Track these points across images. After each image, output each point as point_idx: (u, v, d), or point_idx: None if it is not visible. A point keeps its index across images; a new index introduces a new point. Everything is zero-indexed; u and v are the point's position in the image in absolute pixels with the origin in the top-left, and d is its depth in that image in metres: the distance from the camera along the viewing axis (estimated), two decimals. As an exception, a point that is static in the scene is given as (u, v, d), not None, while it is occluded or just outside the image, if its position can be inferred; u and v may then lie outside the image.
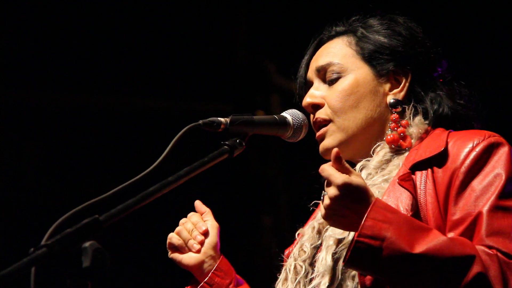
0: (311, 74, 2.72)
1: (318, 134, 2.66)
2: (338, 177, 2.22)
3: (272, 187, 5.87)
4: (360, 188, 2.23)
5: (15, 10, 5.62)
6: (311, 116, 2.70)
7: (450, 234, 2.30)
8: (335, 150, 2.25)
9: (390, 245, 2.15)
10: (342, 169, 2.24)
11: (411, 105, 2.61)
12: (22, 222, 5.65)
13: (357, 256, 2.18)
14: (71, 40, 5.70)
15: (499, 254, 2.22)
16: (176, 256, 2.74)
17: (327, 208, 2.24)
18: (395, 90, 2.65)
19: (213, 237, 2.74)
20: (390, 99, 2.63)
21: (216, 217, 2.78)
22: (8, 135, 5.79)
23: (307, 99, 2.68)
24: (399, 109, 2.61)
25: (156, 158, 2.21)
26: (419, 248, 2.16)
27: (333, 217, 2.26)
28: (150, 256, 5.65)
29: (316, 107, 2.66)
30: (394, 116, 2.60)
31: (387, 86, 2.65)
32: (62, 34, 5.69)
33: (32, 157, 5.86)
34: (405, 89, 2.64)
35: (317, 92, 2.68)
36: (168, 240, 2.74)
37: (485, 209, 2.30)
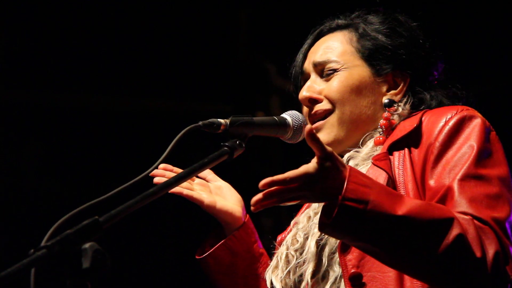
0: (308, 66, 2.73)
1: (313, 126, 2.64)
2: (310, 165, 2.13)
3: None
4: (334, 164, 2.14)
5: (15, 10, 5.61)
6: (305, 109, 2.70)
7: None
8: (308, 127, 2.14)
9: (374, 208, 2.12)
10: (318, 146, 2.13)
11: (406, 97, 2.64)
12: (22, 222, 5.65)
13: (341, 220, 2.12)
14: (71, 40, 5.70)
15: (474, 219, 2.22)
16: (203, 197, 2.71)
17: (307, 194, 2.14)
18: (392, 91, 2.67)
19: (236, 193, 2.80)
20: (385, 99, 2.64)
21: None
22: (8, 135, 5.78)
23: (304, 93, 2.69)
24: (393, 109, 2.62)
25: (156, 159, 2.21)
26: (401, 210, 2.14)
27: (315, 195, 2.15)
28: (150, 256, 5.64)
29: (314, 101, 2.67)
30: (387, 114, 2.62)
31: (385, 87, 2.67)
32: (62, 34, 5.69)
33: (32, 157, 5.86)
34: (402, 92, 2.66)
35: (314, 86, 2.68)
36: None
37: (457, 178, 2.30)
